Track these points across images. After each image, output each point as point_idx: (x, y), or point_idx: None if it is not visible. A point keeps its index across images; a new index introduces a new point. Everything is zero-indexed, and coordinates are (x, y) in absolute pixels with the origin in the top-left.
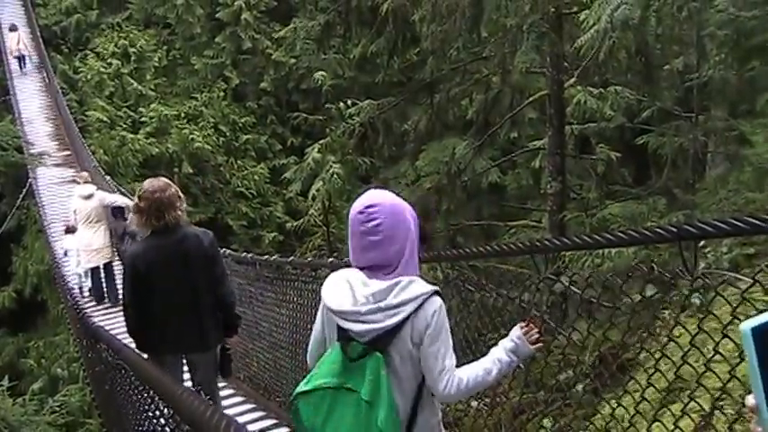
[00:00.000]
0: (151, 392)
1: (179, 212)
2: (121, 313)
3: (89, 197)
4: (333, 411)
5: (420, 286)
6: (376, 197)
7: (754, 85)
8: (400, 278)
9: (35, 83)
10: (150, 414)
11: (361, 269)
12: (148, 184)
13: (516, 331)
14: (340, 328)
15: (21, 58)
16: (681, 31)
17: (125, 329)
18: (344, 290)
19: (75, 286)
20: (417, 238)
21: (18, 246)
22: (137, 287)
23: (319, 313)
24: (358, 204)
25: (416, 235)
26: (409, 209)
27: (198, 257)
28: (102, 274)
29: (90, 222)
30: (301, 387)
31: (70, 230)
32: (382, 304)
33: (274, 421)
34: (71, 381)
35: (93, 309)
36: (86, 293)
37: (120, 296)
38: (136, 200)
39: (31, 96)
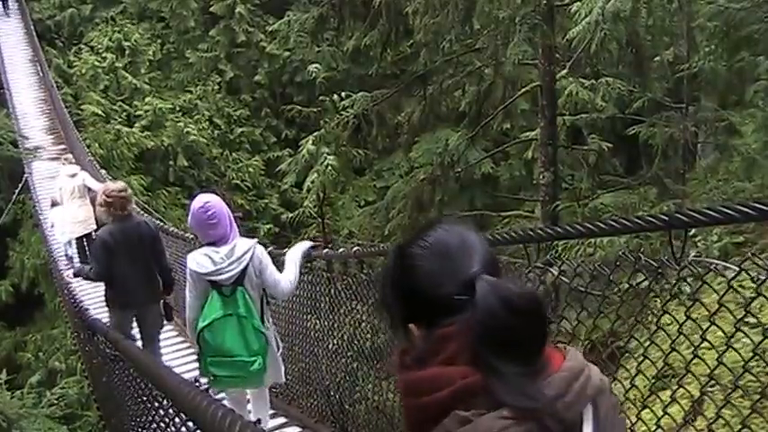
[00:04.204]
0: (149, 384)
1: (133, 205)
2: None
3: (74, 176)
4: (225, 331)
5: (248, 241)
6: (207, 198)
7: (743, 76)
8: (235, 240)
9: (18, 29)
10: (148, 405)
11: (208, 245)
12: (112, 186)
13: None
14: (212, 283)
15: (3, 1)
16: (671, 23)
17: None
18: (206, 260)
19: (62, 254)
20: (234, 217)
21: (14, 240)
22: (105, 256)
23: (191, 282)
24: (198, 204)
25: (233, 215)
26: (223, 203)
27: (148, 237)
28: (86, 243)
29: (74, 198)
30: (204, 323)
31: (55, 204)
32: (233, 258)
33: (272, 411)
34: (69, 373)
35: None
36: (69, 260)
37: None
38: (104, 197)
39: (25, 89)
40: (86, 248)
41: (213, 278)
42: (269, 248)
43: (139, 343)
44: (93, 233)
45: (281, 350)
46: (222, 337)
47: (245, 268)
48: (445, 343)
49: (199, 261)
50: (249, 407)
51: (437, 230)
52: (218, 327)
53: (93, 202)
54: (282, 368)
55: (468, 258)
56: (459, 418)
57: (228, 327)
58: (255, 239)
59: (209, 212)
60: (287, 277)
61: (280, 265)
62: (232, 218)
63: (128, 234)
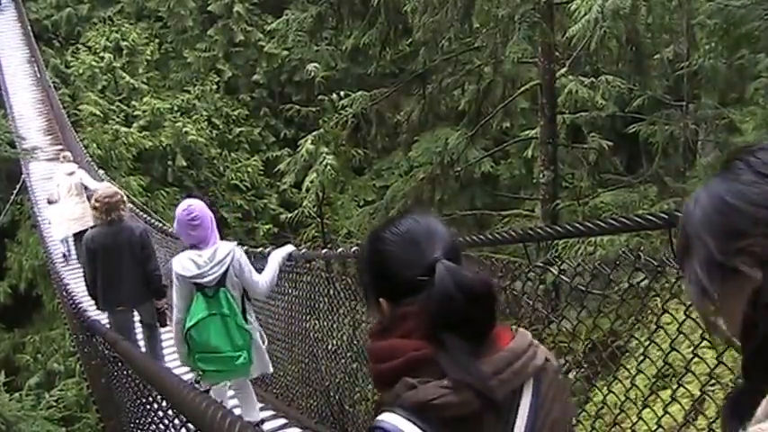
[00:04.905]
0: (148, 385)
1: (121, 212)
2: None
3: (71, 174)
4: (211, 329)
5: (228, 245)
6: (191, 202)
7: (744, 74)
8: (216, 244)
9: (14, 29)
10: (147, 407)
11: (191, 248)
12: (103, 191)
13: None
14: (196, 284)
15: None
16: (671, 21)
17: None
18: (190, 264)
19: (58, 250)
20: (216, 222)
21: (12, 241)
22: (89, 260)
23: (178, 285)
24: (182, 207)
25: (215, 219)
26: (207, 208)
27: (130, 242)
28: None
29: (71, 195)
30: (191, 322)
31: (52, 202)
32: (215, 261)
33: (272, 412)
34: (67, 375)
35: (75, 268)
36: (67, 256)
37: None
38: (93, 201)
39: (22, 90)
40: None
41: (197, 281)
42: (244, 247)
43: (142, 342)
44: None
45: (266, 343)
46: (208, 335)
47: (227, 270)
48: (405, 319)
49: (184, 265)
50: (231, 401)
51: (408, 220)
52: (203, 326)
53: (90, 199)
54: (268, 361)
55: (432, 245)
56: (407, 384)
57: (213, 325)
58: (235, 242)
59: (192, 215)
60: (264, 278)
61: (263, 261)
62: (214, 222)
63: (110, 238)
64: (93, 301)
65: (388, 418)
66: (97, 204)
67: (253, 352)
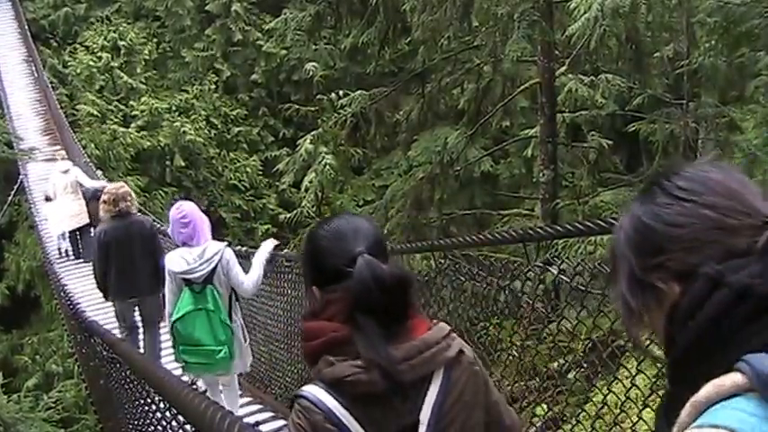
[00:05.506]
0: (147, 386)
1: (129, 203)
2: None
3: (66, 172)
4: (195, 323)
5: (217, 244)
6: (183, 203)
7: (744, 72)
8: (207, 243)
9: (11, 29)
10: (146, 408)
11: (182, 245)
12: (111, 185)
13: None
14: (185, 280)
15: None
16: (671, 19)
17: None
18: (180, 260)
19: (55, 247)
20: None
21: (10, 242)
22: (102, 253)
23: (169, 279)
24: (175, 207)
25: (208, 221)
26: (198, 210)
27: (141, 235)
28: (78, 235)
29: (67, 193)
30: (177, 315)
31: (48, 199)
32: (204, 259)
33: (271, 414)
34: (66, 376)
35: (71, 264)
36: (64, 253)
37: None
38: (102, 195)
39: (20, 90)
40: (79, 242)
41: (186, 276)
42: (244, 248)
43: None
44: (92, 228)
45: (247, 341)
46: (192, 328)
47: (215, 268)
48: (330, 304)
49: (175, 261)
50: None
51: (339, 219)
52: (188, 319)
53: (85, 197)
54: (249, 359)
55: (356, 240)
56: (326, 362)
57: (198, 319)
58: (224, 243)
59: (182, 213)
60: (250, 278)
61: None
62: (204, 223)
63: (121, 231)
64: (100, 293)
65: (309, 389)
66: (106, 197)
67: (234, 348)
